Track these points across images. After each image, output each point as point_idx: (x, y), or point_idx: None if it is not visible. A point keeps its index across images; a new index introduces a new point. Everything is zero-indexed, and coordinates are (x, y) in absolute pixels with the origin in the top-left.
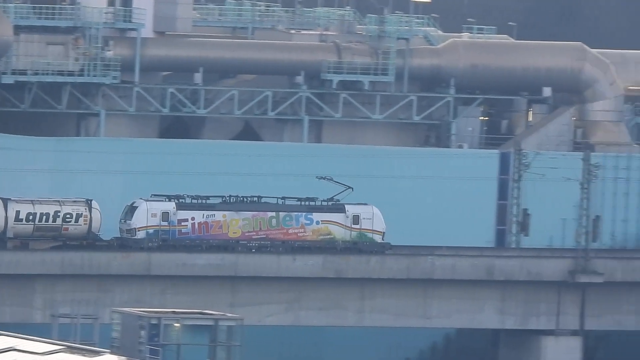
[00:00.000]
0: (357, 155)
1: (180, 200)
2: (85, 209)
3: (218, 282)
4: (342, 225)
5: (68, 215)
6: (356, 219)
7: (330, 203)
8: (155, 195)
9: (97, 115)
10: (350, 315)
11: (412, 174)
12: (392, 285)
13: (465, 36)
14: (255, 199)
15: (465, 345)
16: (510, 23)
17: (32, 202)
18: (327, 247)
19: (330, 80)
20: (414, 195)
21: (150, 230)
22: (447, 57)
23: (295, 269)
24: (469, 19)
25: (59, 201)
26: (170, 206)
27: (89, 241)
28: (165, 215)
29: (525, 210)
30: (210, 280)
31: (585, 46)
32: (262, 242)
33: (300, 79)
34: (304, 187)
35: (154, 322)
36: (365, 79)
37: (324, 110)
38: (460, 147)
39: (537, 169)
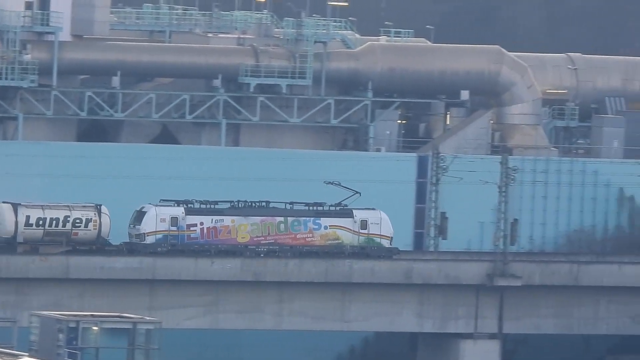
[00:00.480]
0: (275, 159)
1: (189, 205)
2: (95, 214)
3: (136, 285)
4: (350, 230)
5: (78, 220)
6: (364, 224)
7: (338, 208)
8: (163, 200)
9: (15, 119)
10: (268, 318)
11: (330, 177)
12: (311, 288)
13: (382, 39)
14: (264, 204)
15: (383, 348)
16: (427, 26)
17: (42, 207)
18: (335, 252)
19: (248, 84)
20: (331, 198)
21: (159, 235)
22: (364, 60)
23: (214, 272)
24: (386, 23)
25: (68, 206)
26: (179, 211)
27: (99, 246)
28: (174, 221)
29: (443, 213)
30: (129, 284)
31: (503, 49)
32: (271, 247)
33: (217, 82)
34: (220, 190)
35: (72, 325)
36: (283, 83)
37: (242, 113)
38: (378, 150)
39: (455, 173)
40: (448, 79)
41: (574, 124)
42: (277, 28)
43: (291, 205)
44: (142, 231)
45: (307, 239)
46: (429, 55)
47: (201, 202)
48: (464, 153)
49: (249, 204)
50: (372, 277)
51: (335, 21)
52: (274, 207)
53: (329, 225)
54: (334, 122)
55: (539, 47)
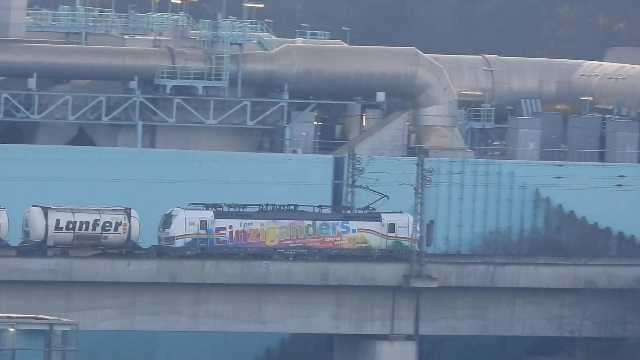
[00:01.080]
0: (191, 160)
1: (218, 208)
2: (125, 217)
3: (53, 287)
4: (378, 233)
5: (107, 224)
6: (392, 227)
7: (366, 211)
8: (193, 204)
9: None
10: (184, 320)
11: (246, 179)
12: (227, 290)
13: (298, 41)
14: (292, 207)
15: (300, 349)
16: (344, 28)
17: (72, 210)
18: (363, 255)
19: (164, 86)
20: (248, 201)
21: (189, 239)
22: (280, 62)
23: (130, 274)
24: (302, 24)
25: (98, 210)
26: (209, 214)
27: (128, 249)
28: (203, 224)
29: None
30: (45, 285)
31: (419, 51)
32: (299, 251)
33: (134, 84)
34: (135, 192)
35: None
36: (199, 84)
37: (158, 115)
38: (295, 152)
39: (371, 174)
40: (364, 81)
41: (490, 125)
42: (193, 30)
43: (320, 209)
44: (171, 234)
45: (335, 242)
46: (345, 57)
47: (230, 206)
48: (380, 155)
49: (278, 207)
50: (288, 278)
51: (251, 23)
52: (302, 211)
53: (357, 229)
54: (250, 123)
55: (455, 48)
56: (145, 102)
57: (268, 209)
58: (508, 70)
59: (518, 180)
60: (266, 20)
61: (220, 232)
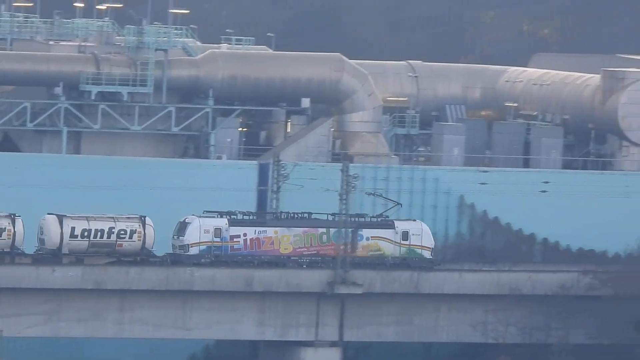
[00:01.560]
0: (117, 166)
1: (232, 216)
2: (139, 225)
3: None
4: (392, 241)
5: (122, 232)
6: (405, 235)
7: (379, 219)
8: (207, 211)
9: None
10: (109, 326)
11: (171, 185)
12: (152, 296)
13: (223, 47)
14: (306, 215)
15: (225, 356)
16: (269, 34)
17: (87, 218)
18: (377, 262)
19: (89, 92)
20: (173, 207)
21: (203, 247)
22: (205, 68)
23: (55, 280)
24: (227, 30)
25: (113, 217)
26: (223, 222)
27: (143, 257)
28: (217, 232)
29: None
30: None
31: (344, 57)
32: (313, 258)
33: (59, 90)
34: (61, 199)
35: None
36: (124, 90)
37: (83, 121)
38: (219, 158)
39: (296, 180)
40: (289, 87)
41: (415, 131)
42: (119, 36)
43: (334, 217)
44: (185, 242)
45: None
46: (270, 63)
47: (244, 214)
48: (304, 161)
49: (292, 215)
50: (213, 285)
51: (176, 29)
52: (316, 219)
53: (371, 237)
54: (175, 129)
55: (381, 54)
56: (70, 108)
57: (282, 216)
58: (433, 76)
59: (443, 187)
60: (191, 26)
61: (235, 239)
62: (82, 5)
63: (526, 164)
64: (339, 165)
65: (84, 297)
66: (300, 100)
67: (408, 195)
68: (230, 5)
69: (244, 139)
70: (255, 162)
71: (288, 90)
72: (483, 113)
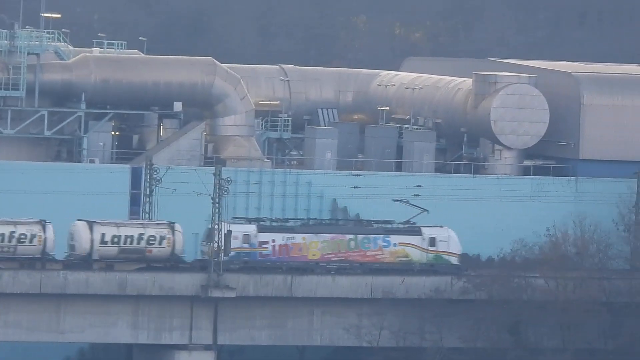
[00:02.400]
0: None
1: (261, 222)
2: (169, 231)
3: None
4: (419, 247)
5: (152, 238)
6: (432, 242)
7: (407, 226)
8: (235, 217)
9: None
10: None
11: (44, 189)
12: (25, 299)
13: (96, 51)
14: (334, 221)
15: (99, 359)
16: (141, 38)
17: (117, 224)
18: (404, 269)
19: None
20: (46, 211)
21: (232, 253)
22: (78, 72)
23: None
24: (99, 34)
25: (142, 223)
26: (252, 228)
27: (172, 263)
28: (246, 238)
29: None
30: None
31: (216, 61)
32: (341, 264)
33: None
34: None
35: None
36: None
37: None
38: (92, 161)
39: (169, 184)
40: (161, 91)
41: (287, 135)
42: None
43: (361, 223)
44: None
45: (376, 257)
46: (142, 66)
47: (272, 220)
48: (177, 164)
49: (320, 221)
50: (86, 288)
51: (48, 33)
52: (344, 225)
53: (398, 243)
54: (47, 133)
55: (253, 58)
56: None
57: (310, 222)
58: (305, 80)
59: (316, 190)
60: (63, 30)
61: (263, 246)
62: None
63: (399, 167)
64: (212, 169)
65: None
66: (173, 104)
67: (281, 199)
68: (102, 9)
69: (116, 143)
70: (127, 166)
71: (160, 94)
72: (355, 117)
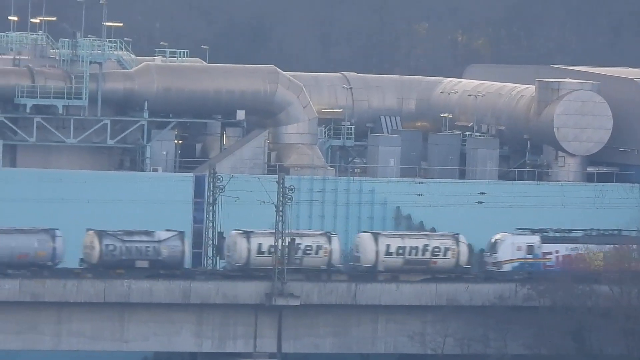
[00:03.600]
0: (52, 180)
1: (544, 233)
2: (453, 242)
3: None
4: None
5: (436, 249)
6: None
7: None
8: (519, 229)
9: None
10: (47, 339)
11: (107, 198)
12: (89, 308)
13: (158, 60)
14: (616, 232)
15: None
16: (203, 46)
17: (402, 236)
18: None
19: (24, 105)
20: (110, 219)
21: (516, 263)
22: (140, 80)
23: None
24: (161, 43)
25: (427, 235)
26: (535, 239)
27: (457, 274)
28: (530, 249)
29: (220, 233)
30: None
31: (279, 69)
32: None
33: None
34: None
35: None
36: (59, 103)
37: (18, 134)
38: (155, 170)
39: (232, 192)
40: (223, 99)
41: (350, 143)
42: (53, 49)
43: None
44: (498, 259)
45: None
46: (204, 75)
47: (555, 231)
48: (240, 173)
49: (602, 232)
50: (150, 297)
51: (110, 42)
52: (626, 235)
53: None
54: (110, 142)
55: (314, 66)
56: (5, 121)
57: (593, 233)
58: (367, 88)
59: (379, 198)
60: (125, 38)
61: (547, 256)
62: (16, 18)
63: (462, 175)
64: (275, 177)
65: (21, 310)
66: (235, 113)
67: (344, 207)
68: (163, 18)
69: (179, 152)
70: (191, 174)
71: (222, 103)
72: (418, 124)
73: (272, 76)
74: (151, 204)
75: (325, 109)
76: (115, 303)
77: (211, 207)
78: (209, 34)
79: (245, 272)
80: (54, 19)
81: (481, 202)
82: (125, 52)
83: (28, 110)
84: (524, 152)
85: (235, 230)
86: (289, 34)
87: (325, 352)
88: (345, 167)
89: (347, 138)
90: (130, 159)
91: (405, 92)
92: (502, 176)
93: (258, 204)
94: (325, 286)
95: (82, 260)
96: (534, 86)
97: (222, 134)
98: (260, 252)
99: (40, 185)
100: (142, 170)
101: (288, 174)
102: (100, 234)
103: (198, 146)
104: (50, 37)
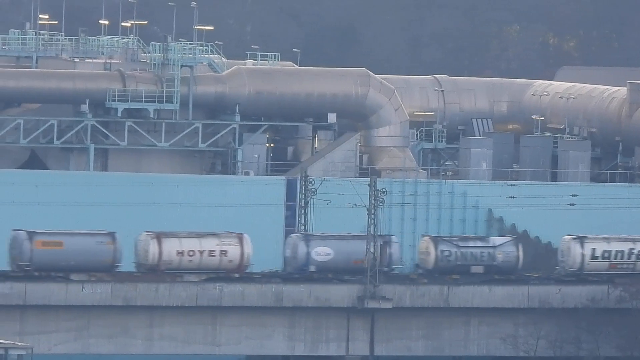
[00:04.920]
0: (144, 183)
1: None
2: None
3: (6, 310)
4: None
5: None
6: None
7: None
8: None
9: None
10: (139, 343)
11: (199, 202)
12: (181, 312)
13: (249, 63)
14: None
15: None
16: (294, 50)
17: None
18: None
19: (116, 109)
20: (202, 223)
21: None
22: (231, 84)
23: (84, 297)
24: (252, 46)
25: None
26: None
27: None
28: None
29: None
30: None
31: (370, 72)
32: None
33: (85, 107)
34: (88, 215)
35: None
36: (150, 107)
37: (110, 138)
38: (247, 174)
39: (324, 195)
40: (315, 102)
41: (442, 145)
42: (144, 52)
43: None
44: None
45: None
46: (296, 78)
47: None
48: (332, 176)
49: None
50: (242, 300)
51: (201, 45)
52: None
53: None
54: (202, 146)
55: (404, 69)
56: (97, 125)
57: None
58: (458, 90)
59: (471, 200)
60: (216, 42)
61: None
62: (107, 22)
63: (554, 177)
64: (367, 180)
65: (113, 314)
66: (327, 115)
67: (436, 210)
68: (254, 21)
69: (271, 155)
70: (282, 177)
71: (314, 106)
72: (510, 126)
73: (363, 79)
74: (243, 207)
75: (416, 111)
76: (207, 307)
77: (303, 211)
78: (299, 37)
79: (579, 277)
80: (145, 22)
81: (573, 205)
82: (216, 55)
83: (119, 114)
84: (616, 154)
85: (568, 234)
86: (378, 36)
87: (417, 354)
88: (437, 169)
89: (438, 141)
90: (222, 162)
91: (496, 94)
92: (594, 178)
93: (350, 207)
94: (418, 289)
95: (417, 265)
96: (625, 88)
97: (313, 137)
98: (594, 257)
99: (131, 189)
100: (234, 173)
101: (380, 177)
102: (436, 240)
103: (289, 149)
104: (141, 41)
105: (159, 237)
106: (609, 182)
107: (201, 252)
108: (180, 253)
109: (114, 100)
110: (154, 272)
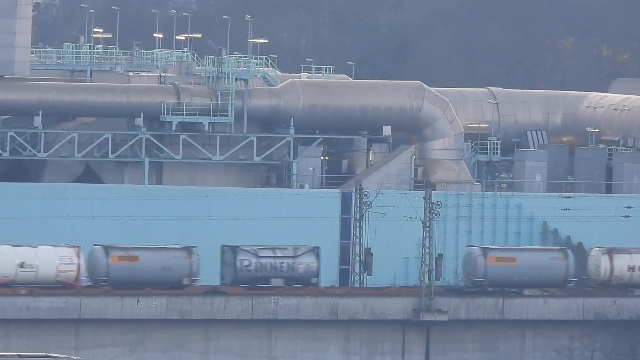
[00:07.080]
0: (198, 197)
1: None
2: None
3: (62, 325)
4: None
5: None
6: None
7: None
8: None
9: None
10: (194, 356)
11: (254, 215)
12: (236, 325)
13: (303, 76)
14: None
15: None
16: (348, 62)
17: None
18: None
19: (170, 122)
20: (257, 236)
21: None
22: (286, 97)
23: (139, 311)
24: (307, 59)
25: None
26: None
27: None
28: None
29: (368, 249)
30: (54, 324)
31: (424, 85)
32: None
33: (139, 121)
34: (143, 229)
35: None
36: (205, 120)
37: (164, 152)
38: (302, 187)
39: (379, 208)
40: (369, 115)
41: (497, 158)
42: (198, 66)
43: None
44: None
45: None
46: (350, 91)
47: None
48: (387, 189)
49: None
50: (297, 313)
51: (255, 58)
52: None
53: None
54: (256, 159)
55: (458, 81)
56: (151, 138)
57: None
58: (513, 103)
59: (526, 213)
60: (271, 55)
61: None
62: (161, 35)
63: (608, 189)
64: (422, 192)
65: (168, 327)
66: (381, 128)
67: (491, 222)
68: (309, 35)
69: (326, 168)
70: (337, 190)
71: (368, 118)
72: (564, 139)
73: (418, 92)
74: (298, 220)
75: (471, 124)
76: (262, 320)
77: (358, 224)
78: (353, 50)
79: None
80: (199, 36)
81: (628, 217)
82: (270, 68)
83: (174, 127)
84: None
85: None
86: (432, 49)
87: None
88: (491, 182)
89: (493, 153)
90: (277, 175)
91: (551, 106)
92: None
93: (405, 220)
94: (473, 302)
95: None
96: None
97: (368, 150)
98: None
99: (186, 202)
100: (289, 186)
101: (435, 190)
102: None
103: (344, 162)
104: (195, 54)
105: None
106: None
107: None
108: None
109: (169, 114)
110: None
